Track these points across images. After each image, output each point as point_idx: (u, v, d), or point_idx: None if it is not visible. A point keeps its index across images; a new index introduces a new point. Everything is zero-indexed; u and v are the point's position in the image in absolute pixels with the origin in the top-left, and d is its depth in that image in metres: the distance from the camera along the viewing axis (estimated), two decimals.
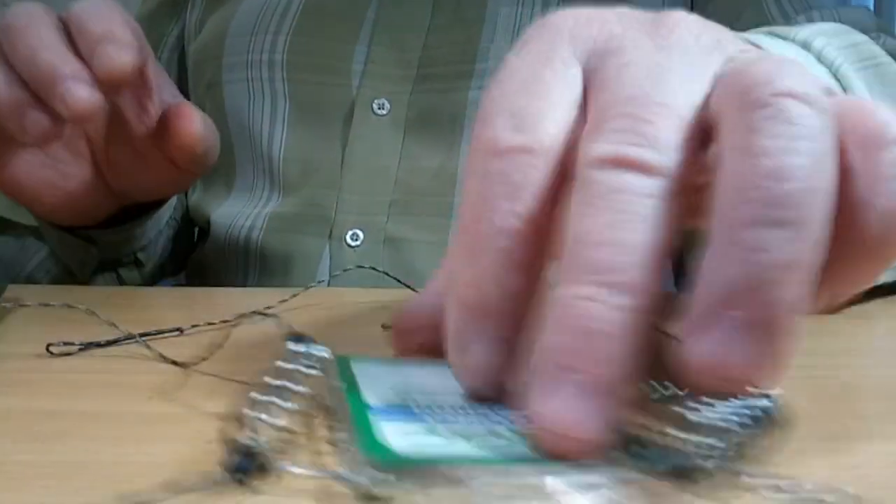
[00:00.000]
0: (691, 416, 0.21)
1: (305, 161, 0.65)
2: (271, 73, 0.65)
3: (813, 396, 0.30)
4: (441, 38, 0.64)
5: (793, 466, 0.23)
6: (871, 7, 1.48)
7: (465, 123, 0.63)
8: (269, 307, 0.40)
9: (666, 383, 0.24)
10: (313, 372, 0.24)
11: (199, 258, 0.71)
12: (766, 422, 0.22)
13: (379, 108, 0.63)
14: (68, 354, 0.34)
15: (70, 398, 0.29)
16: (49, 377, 0.31)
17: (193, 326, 0.37)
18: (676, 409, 0.21)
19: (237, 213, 0.66)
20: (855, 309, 0.46)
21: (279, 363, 0.24)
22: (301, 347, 0.25)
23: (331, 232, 0.62)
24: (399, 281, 0.46)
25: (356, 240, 0.62)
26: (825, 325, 0.44)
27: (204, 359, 0.32)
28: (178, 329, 0.37)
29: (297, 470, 0.21)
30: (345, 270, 0.56)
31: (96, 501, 0.20)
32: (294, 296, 0.43)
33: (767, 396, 0.22)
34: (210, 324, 0.37)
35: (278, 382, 0.23)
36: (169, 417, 0.26)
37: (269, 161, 0.66)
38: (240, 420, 0.22)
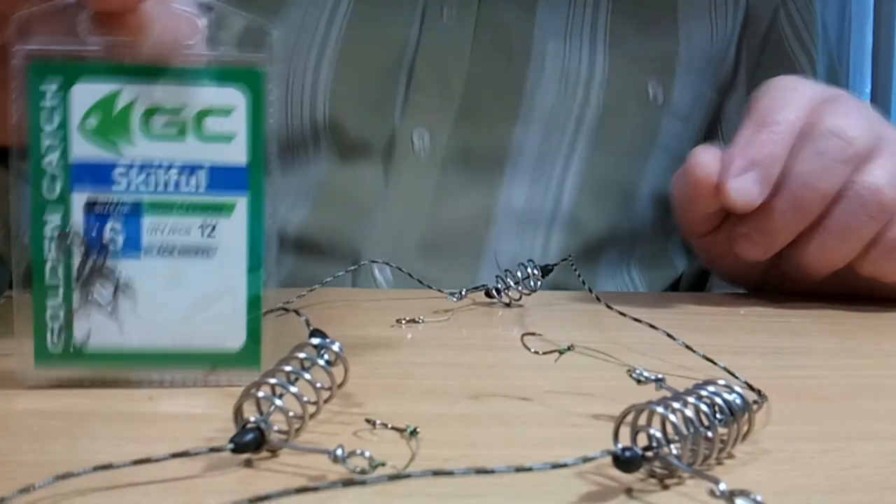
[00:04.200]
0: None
1: (339, 191, 0.61)
2: (313, 97, 0.62)
3: (812, 396, 0.30)
4: (484, 69, 0.61)
5: (792, 467, 0.23)
6: (871, 8, 1.46)
7: (506, 165, 0.60)
8: (287, 301, 0.41)
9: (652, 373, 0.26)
10: (323, 363, 0.26)
11: None
12: (741, 415, 0.22)
13: (419, 140, 0.61)
14: None
15: (70, 398, 0.29)
16: None
17: None
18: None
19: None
20: (855, 309, 0.46)
21: (296, 353, 0.26)
22: (317, 341, 0.26)
23: (356, 263, 0.58)
24: (429, 286, 0.46)
25: (381, 273, 0.60)
26: (825, 326, 0.44)
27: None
28: None
29: (297, 448, 0.22)
30: (372, 261, 0.54)
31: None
32: (311, 290, 0.44)
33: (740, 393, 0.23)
34: None
35: (290, 368, 0.24)
36: (177, 409, 0.27)
37: (305, 187, 0.62)
38: (253, 402, 0.23)
